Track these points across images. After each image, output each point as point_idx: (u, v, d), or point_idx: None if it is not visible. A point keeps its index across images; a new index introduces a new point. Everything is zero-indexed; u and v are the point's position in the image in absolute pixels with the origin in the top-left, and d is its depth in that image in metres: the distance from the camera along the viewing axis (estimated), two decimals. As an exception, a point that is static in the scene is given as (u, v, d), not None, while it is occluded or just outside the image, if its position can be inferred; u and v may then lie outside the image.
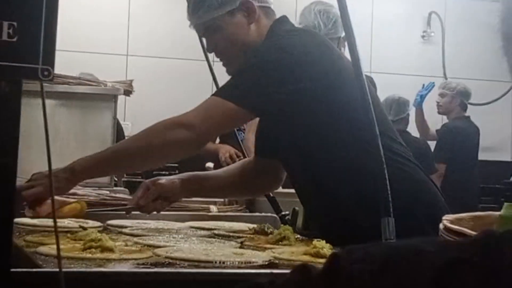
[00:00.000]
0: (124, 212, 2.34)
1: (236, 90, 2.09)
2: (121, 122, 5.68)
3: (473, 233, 1.15)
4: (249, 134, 4.11)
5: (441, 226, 1.20)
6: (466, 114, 6.32)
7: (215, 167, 4.91)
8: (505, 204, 1.30)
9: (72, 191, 2.57)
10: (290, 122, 2.16)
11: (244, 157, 2.88)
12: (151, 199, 2.22)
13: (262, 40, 2.22)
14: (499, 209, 1.33)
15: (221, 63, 2.30)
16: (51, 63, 1.11)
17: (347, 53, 1.86)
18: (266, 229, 2.20)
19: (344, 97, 2.07)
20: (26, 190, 2.07)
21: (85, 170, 2.10)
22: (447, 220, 1.21)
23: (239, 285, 0.74)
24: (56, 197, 2.25)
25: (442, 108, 6.37)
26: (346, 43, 2.63)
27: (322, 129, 2.13)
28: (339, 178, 2.13)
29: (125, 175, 5.41)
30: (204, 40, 2.39)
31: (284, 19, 2.29)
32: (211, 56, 2.90)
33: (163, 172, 5.26)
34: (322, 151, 2.14)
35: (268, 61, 2.11)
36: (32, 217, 2.16)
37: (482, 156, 6.25)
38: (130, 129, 6.42)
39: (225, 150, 4.90)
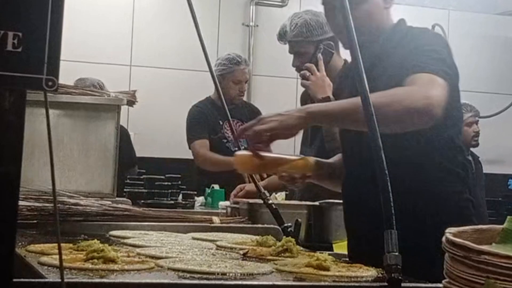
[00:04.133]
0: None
1: (438, 66, 2.16)
2: (124, 132, 5.68)
3: (476, 246, 1.15)
4: None
5: (443, 239, 1.20)
6: None
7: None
8: (508, 217, 1.30)
9: (74, 201, 2.58)
10: None
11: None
12: None
13: (390, 27, 2.39)
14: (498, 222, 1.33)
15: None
16: (56, 74, 1.12)
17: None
18: (268, 241, 2.20)
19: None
20: (257, 125, 2.04)
21: (318, 113, 2.10)
22: (449, 233, 1.21)
23: None
24: (279, 155, 2.25)
25: None
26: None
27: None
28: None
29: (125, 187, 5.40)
30: (206, 48, 2.43)
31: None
32: (214, 67, 2.90)
33: (165, 183, 5.26)
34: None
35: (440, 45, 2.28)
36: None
37: (485, 169, 6.23)
38: (133, 139, 6.42)
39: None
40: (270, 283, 1.62)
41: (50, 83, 1.11)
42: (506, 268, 1.10)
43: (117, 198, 3.16)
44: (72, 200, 2.59)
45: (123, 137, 5.59)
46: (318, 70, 3.53)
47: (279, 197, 4.01)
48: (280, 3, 7.02)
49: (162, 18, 6.79)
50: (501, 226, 1.30)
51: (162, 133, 6.54)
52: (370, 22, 2.34)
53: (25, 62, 1.10)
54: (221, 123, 5.12)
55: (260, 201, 2.65)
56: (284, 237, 2.22)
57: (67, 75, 2.65)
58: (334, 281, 1.68)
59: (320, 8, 2.59)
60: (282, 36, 3.92)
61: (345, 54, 3.90)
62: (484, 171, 6.09)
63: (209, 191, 5.76)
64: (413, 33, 2.34)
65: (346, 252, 2.42)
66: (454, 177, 2.30)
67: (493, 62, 7.58)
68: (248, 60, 5.32)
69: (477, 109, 5.92)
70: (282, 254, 2.02)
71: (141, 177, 5.45)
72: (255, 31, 6.94)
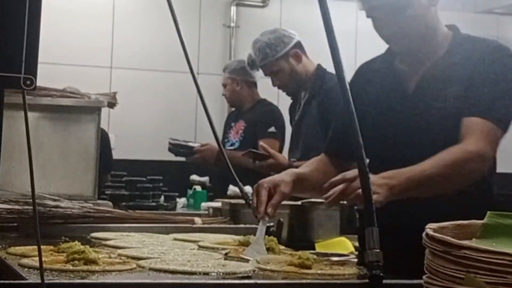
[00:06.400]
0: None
1: (501, 112, 2.13)
2: (105, 135, 5.65)
3: (456, 241, 1.15)
4: None
5: (424, 234, 1.21)
6: None
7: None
8: (488, 213, 1.31)
9: (54, 203, 2.56)
10: None
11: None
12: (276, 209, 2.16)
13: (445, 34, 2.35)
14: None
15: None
16: (34, 73, 1.11)
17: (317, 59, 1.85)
18: (250, 241, 2.19)
19: None
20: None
21: (403, 192, 2.01)
22: (430, 228, 1.21)
23: None
24: None
25: None
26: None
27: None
28: None
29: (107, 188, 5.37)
30: (187, 49, 2.42)
31: None
32: (195, 68, 2.90)
33: (146, 185, 5.24)
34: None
35: None
36: None
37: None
38: (114, 141, 6.40)
39: None
40: (252, 281, 1.62)
41: (28, 82, 1.10)
42: (486, 263, 1.11)
43: (98, 201, 3.14)
44: (52, 203, 2.58)
45: (102, 141, 5.56)
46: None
47: None
48: (261, 4, 7.02)
49: (142, 20, 6.78)
50: (481, 222, 1.30)
51: (143, 135, 6.53)
52: (419, 26, 2.28)
53: (3, 61, 1.10)
54: (232, 124, 4.91)
55: (242, 201, 2.65)
56: (267, 236, 2.22)
57: (46, 78, 2.65)
58: (316, 279, 1.69)
59: (299, 7, 2.59)
60: (252, 65, 4.17)
61: (318, 59, 3.93)
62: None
63: (191, 192, 5.73)
64: (482, 51, 2.27)
65: (327, 251, 2.43)
66: None
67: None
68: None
69: None
70: (264, 254, 2.02)
71: (123, 179, 5.42)
72: (236, 32, 6.94)
